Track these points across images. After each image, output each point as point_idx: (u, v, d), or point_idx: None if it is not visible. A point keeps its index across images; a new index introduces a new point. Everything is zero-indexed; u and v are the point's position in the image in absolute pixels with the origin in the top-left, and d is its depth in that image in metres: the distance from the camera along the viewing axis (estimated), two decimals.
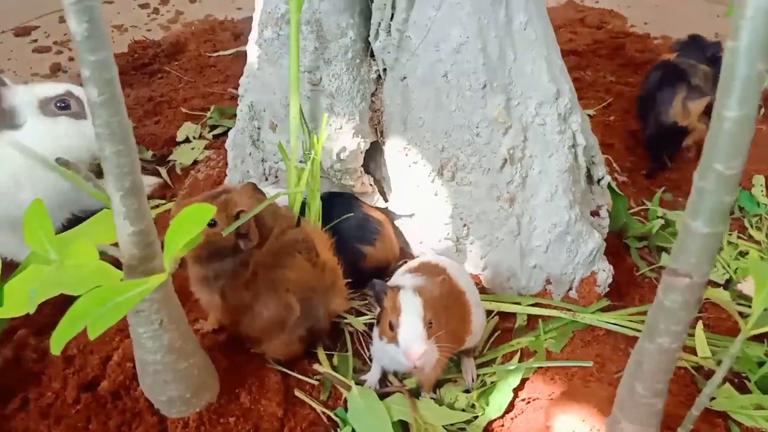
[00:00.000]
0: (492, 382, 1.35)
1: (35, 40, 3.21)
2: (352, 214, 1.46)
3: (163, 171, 2.17)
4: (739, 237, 1.89)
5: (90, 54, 0.84)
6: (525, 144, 1.40)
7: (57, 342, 0.88)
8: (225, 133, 2.37)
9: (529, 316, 1.48)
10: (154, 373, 1.16)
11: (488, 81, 1.33)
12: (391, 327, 1.17)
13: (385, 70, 1.44)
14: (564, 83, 1.43)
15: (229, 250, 1.26)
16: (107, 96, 0.87)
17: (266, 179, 1.72)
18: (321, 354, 1.41)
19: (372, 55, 1.44)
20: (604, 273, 1.50)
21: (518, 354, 1.41)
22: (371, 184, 1.54)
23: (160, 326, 1.11)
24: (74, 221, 1.66)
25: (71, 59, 3.06)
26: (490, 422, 1.29)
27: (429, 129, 1.40)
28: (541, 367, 1.36)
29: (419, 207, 1.50)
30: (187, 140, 2.33)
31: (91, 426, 1.22)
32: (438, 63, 1.34)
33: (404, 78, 1.38)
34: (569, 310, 1.47)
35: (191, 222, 0.94)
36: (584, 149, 1.47)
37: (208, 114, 2.44)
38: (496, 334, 1.47)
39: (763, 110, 2.43)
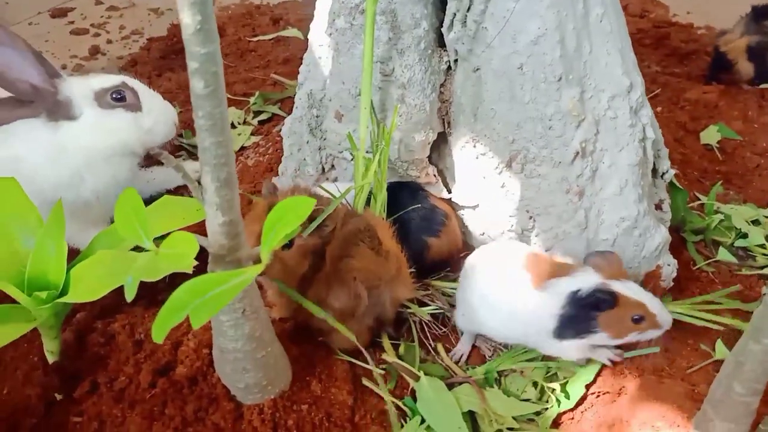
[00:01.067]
0: (562, 376, 1.35)
1: (72, 22, 3.22)
2: (419, 205, 1.46)
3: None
4: None
5: (200, 47, 0.84)
6: (596, 137, 1.39)
7: (159, 330, 0.88)
8: (270, 120, 2.37)
9: None
10: (233, 361, 1.17)
11: (564, 73, 1.33)
12: (640, 319, 1.25)
13: (456, 60, 1.43)
14: (636, 76, 1.41)
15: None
16: (213, 88, 0.88)
17: (323, 168, 1.72)
18: (386, 343, 1.42)
19: (443, 46, 1.44)
20: (669, 267, 1.50)
21: None
22: (435, 175, 1.54)
23: (242, 315, 1.12)
24: None
25: (109, 42, 3.06)
26: (560, 414, 1.30)
27: (500, 121, 1.39)
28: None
29: (484, 198, 1.50)
30: (232, 126, 2.32)
31: (167, 411, 1.23)
32: (514, 55, 1.33)
33: (477, 69, 1.38)
34: None
35: (290, 214, 0.94)
36: (652, 143, 1.46)
37: (252, 100, 2.43)
38: None
39: None
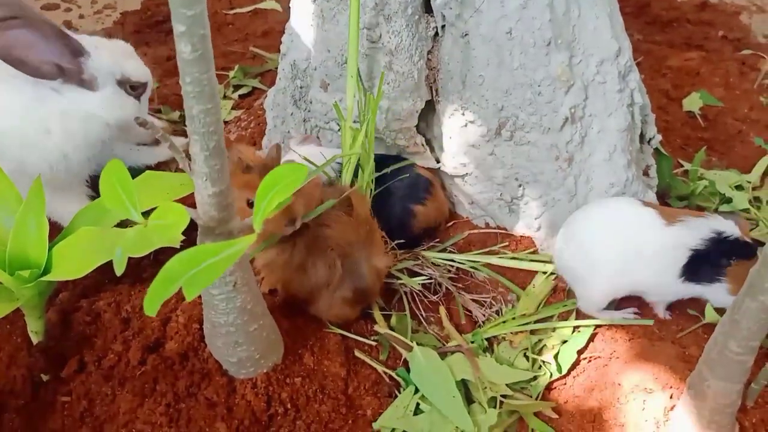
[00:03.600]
0: (551, 344, 1.36)
1: None
2: (406, 175, 1.45)
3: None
4: None
5: (186, 8, 0.81)
6: (585, 102, 1.38)
7: (151, 303, 0.86)
8: (251, 93, 2.33)
9: None
10: (225, 335, 1.15)
11: (553, 38, 1.31)
12: None
13: (443, 26, 1.40)
14: (624, 40, 1.41)
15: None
16: (201, 52, 0.85)
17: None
18: (377, 315, 1.41)
19: (429, 12, 1.41)
20: None
21: (574, 313, 1.41)
22: (423, 144, 1.52)
23: (234, 288, 1.10)
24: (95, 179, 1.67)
25: (81, 17, 2.98)
26: (552, 381, 1.30)
27: (489, 87, 1.38)
28: (601, 327, 1.37)
29: (473, 167, 1.49)
30: None
31: (158, 387, 1.21)
32: (502, 19, 1.31)
33: (465, 35, 1.35)
34: None
35: (284, 182, 0.92)
36: (640, 108, 1.45)
37: (231, 74, 2.39)
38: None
39: None
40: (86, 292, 1.49)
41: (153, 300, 0.87)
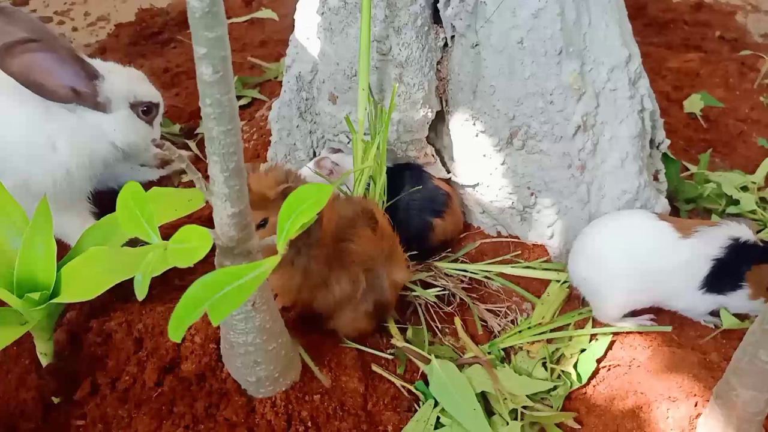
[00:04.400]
0: (569, 353, 1.35)
1: (34, 10, 3.10)
2: (421, 186, 1.44)
3: (192, 144, 2.12)
4: None
5: (208, 31, 0.79)
6: (597, 110, 1.38)
7: (176, 329, 0.85)
8: (250, 104, 2.32)
9: None
10: (244, 354, 1.14)
11: (564, 46, 1.31)
12: None
13: (453, 37, 1.40)
14: (633, 47, 1.40)
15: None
16: (222, 74, 0.84)
17: (314, 153, 1.68)
18: (393, 328, 1.40)
19: (438, 22, 1.40)
20: None
21: (590, 321, 1.41)
22: (433, 155, 1.51)
23: (252, 307, 1.09)
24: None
25: (75, 29, 2.96)
26: (572, 391, 1.30)
27: (500, 97, 1.37)
28: (619, 334, 1.36)
29: (484, 177, 1.48)
30: None
31: (176, 409, 1.20)
32: (513, 29, 1.30)
33: (476, 45, 1.35)
34: None
35: (308, 202, 0.90)
36: (650, 114, 1.45)
37: None
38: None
39: None
40: (94, 311, 1.47)
41: (177, 325, 0.86)
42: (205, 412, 1.19)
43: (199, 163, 2.04)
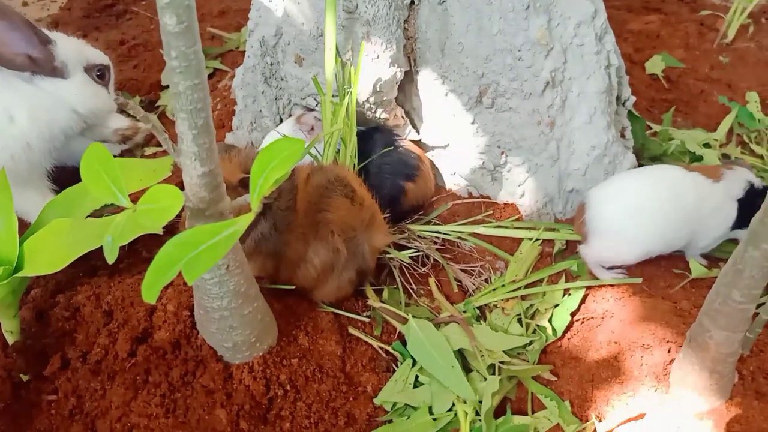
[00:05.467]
0: (543, 308, 1.36)
1: None
2: (392, 148, 1.42)
3: (153, 117, 2.05)
4: (742, 152, 1.94)
5: None
6: (565, 66, 1.38)
7: (150, 290, 0.83)
8: (212, 75, 2.26)
9: (568, 240, 1.49)
10: (219, 320, 1.12)
11: (531, 1, 1.30)
12: None
13: None
14: (599, 2, 1.40)
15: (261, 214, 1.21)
16: (187, 24, 0.81)
17: (280, 119, 1.65)
18: (369, 291, 1.39)
19: None
20: None
21: (563, 277, 1.42)
22: (403, 117, 1.49)
23: (226, 271, 1.07)
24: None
25: (25, 4, 2.87)
26: (548, 345, 1.31)
27: (468, 55, 1.36)
28: (591, 287, 1.38)
29: (454, 137, 1.47)
30: None
31: (151, 378, 1.17)
32: None
33: (443, 2, 1.33)
34: None
35: (280, 157, 0.88)
36: (616, 70, 1.46)
37: None
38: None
39: (752, 28, 2.46)
40: (60, 287, 1.43)
41: (151, 286, 0.84)
42: (181, 380, 1.17)
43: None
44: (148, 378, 1.18)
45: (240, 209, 1.23)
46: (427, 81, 1.44)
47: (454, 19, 1.34)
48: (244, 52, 2.38)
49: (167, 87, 2.20)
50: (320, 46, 1.39)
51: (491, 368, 1.25)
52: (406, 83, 1.49)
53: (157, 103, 2.12)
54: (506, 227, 1.50)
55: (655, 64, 2.29)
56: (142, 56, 2.40)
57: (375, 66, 1.38)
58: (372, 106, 1.43)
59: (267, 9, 1.54)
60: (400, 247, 1.46)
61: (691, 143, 1.88)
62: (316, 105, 1.47)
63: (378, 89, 1.39)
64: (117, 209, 1.52)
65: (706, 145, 1.92)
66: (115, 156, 1.93)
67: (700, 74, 2.29)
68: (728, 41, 2.42)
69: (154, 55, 2.37)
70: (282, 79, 1.57)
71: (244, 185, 1.18)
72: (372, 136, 1.46)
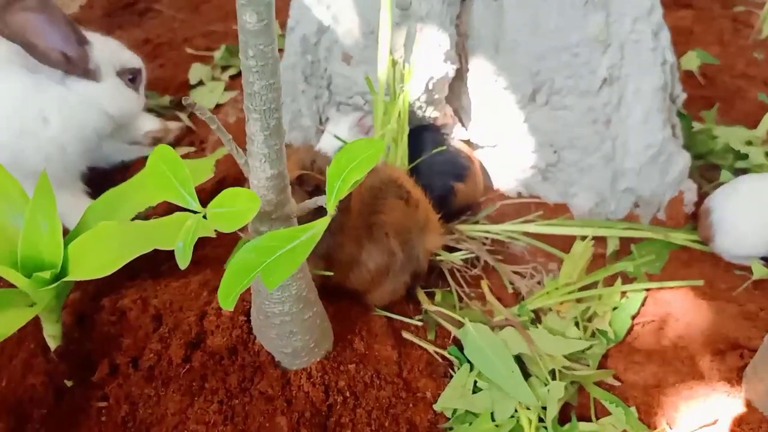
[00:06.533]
0: (601, 311, 1.33)
1: None
2: (444, 147, 1.39)
3: (183, 116, 2.03)
4: None
5: None
6: (622, 62, 1.34)
7: (227, 297, 0.80)
8: (240, 74, 2.23)
9: (621, 241, 1.46)
10: (280, 325, 1.09)
11: None
12: None
13: None
14: None
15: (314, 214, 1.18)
16: (266, 22, 0.78)
17: (320, 119, 1.62)
18: (420, 294, 1.36)
19: None
20: (690, 192, 1.49)
21: (619, 279, 1.39)
22: (452, 115, 1.46)
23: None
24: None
25: None
26: (609, 349, 1.28)
27: (523, 52, 1.33)
28: (649, 290, 1.34)
29: (504, 136, 1.44)
30: (200, 83, 2.18)
31: (207, 384, 1.14)
32: None
33: None
34: (665, 231, 1.45)
35: (361, 158, 0.85)
36: (670, 66, 1.43)
37: (218, 54, 2.28)
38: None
39: None
40: (99, 290, 1.40)
41: (229, 293, 0.81)
42: (239, 387, 1.13)
43: (192, 135, 1.97)
44: (204, 384, 1.14)
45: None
46: (478, 79, 1.41)
47: (509, 16, 1.30)
48: None
49: (195, 86, 2.17)
50: (370, 44, 1.36)
51: (551, 373, 1.21)
52: (455, 81, 1.46)
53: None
54: (561, 225, 1.46)
55: (690, 60, 2.25)
56: (168, 55, 2.37)
57: (427, 64, 1.34)
58: (423, 104, 1.39)
59: (308, 7, 1.50)
60: (450, 249, 1.43)
61: (734, 141, 1.84)
62: (364, 104, 1.44)
63: (430, 87, 1.35)
64: (161, 212, 1.50)
65: (748, 143, 1.88)
66: (146, 156, 1.90)
67: (736, 71, 2.25)
68: (762, 37, 2.38)
69: (179, 54, 2.34)
70: (321, 78, 1.54)
71: (300, 183, 1.15)
72: (420, 136, 1.43)
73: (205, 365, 1.16)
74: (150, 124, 1.86)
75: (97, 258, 1.20)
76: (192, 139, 1.96)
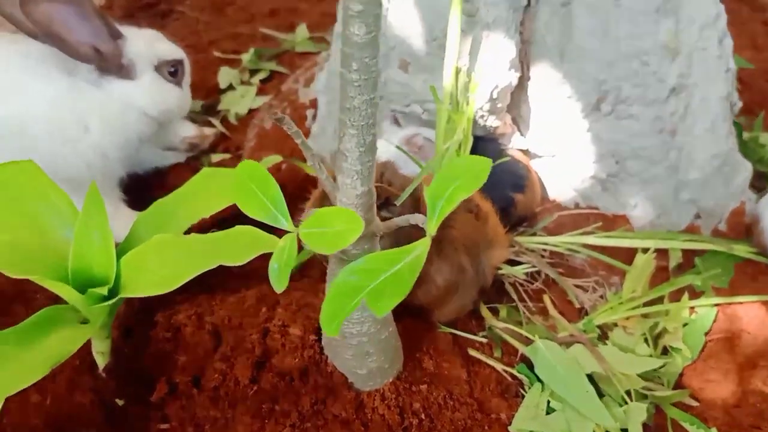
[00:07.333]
0: (671, 327, 1.30)
1: None
2: (500, 159, 1.35)
3: (216, 121, 1.98)
4: None
5: None
6: (689, 71, 1.31)
7: (331, 322, 0.76)
8: (271, 78, 2.19)
9: (683, 253, 1.42)
10: (357, 345, 1.05)
11: (662, 3, 1.23)
12: None
13: None
14: (720, 4, 1.34)
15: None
16: (374, 34, 0.74)
17: None
18: (484, 310, 1.32)
19: None
20: (751, 202, 1.46)
21: (686, 294, 1.35)
22: (511, 124, 1.42)
23: None
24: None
25: None
26: (684, 367, 1.24)
27: (590, 60, 1.29)
28: (719, 305, 1.31)
29: (564, 146, 1.40)
30: (230, 87, 2.13)
31: (278, 407, 1.10)
32: None
33: (566, 4, 1.26)
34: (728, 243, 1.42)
35: (467, 176, 0.81)
36: (732, 74, 1.40)
37: (247, 57, 2.23)
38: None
39: None
40: (146, 305, 1.35)
41: (333, 318, 0.77)
42: (311, 409, 1.09)
43: (226, 141, 1.92)
44: (274, 407, 1.10)
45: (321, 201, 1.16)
46: (540, 87, 1.37)
47: (577, 22, 1.27)
48: (301, 53, 2.31)
49: (226, 90, 2.12)
50: (431, 51, 1.32)
51: (627, 393, 1.18)
52: (516, 89, 1.41)
53: (218, 107, 2.04)
54: (622, 237, 1.42)
55: None
56: (194, 58, 2.30)
57: (492, 72, 1.30)
58: (485, 114, 1.35)
59: None
60: (509, 262, 1.39)
61: None
62: (423, 113, 1.40)
63: (494, 96, 1.31)
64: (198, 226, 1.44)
65: None
66: (182, 162, 1.85)
67: None
68: None
69: (206, 58, 2.29)
70: (384, 84, 1.49)
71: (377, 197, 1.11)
72: (478, 145, 1.39)
73: (276, 386, 1.11)
74: (187, 130, 1.81)
75: (155, 273, 1.15)
76: (227, 145, 1.91)
